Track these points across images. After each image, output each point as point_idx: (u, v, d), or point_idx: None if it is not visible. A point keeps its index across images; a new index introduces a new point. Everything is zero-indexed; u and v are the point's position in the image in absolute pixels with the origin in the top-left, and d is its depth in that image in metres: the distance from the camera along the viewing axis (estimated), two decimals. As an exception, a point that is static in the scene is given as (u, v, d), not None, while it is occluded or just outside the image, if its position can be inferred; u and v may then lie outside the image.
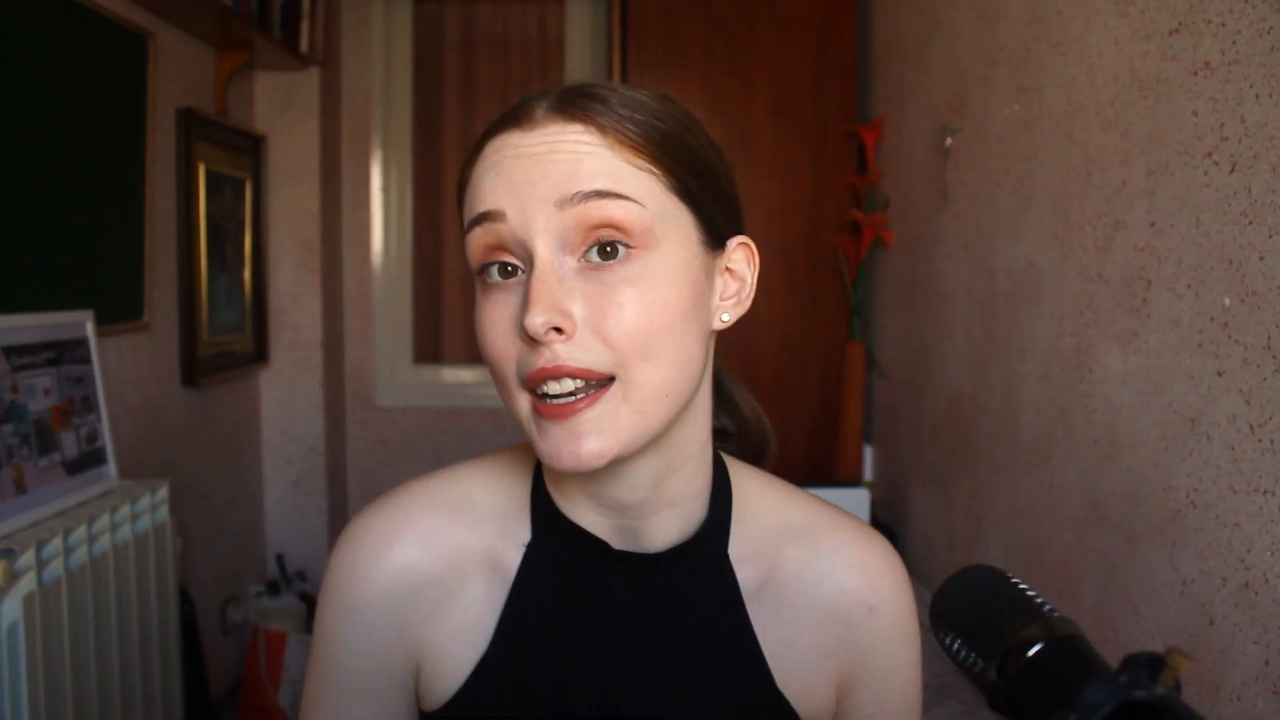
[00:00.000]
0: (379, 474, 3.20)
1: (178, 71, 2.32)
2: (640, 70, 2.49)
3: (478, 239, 0.60)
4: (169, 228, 2.30)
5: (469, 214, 0.61)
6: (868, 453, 2.52)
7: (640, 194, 0.58)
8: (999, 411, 1.75)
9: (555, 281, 0.57)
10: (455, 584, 0.67)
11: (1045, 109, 1.58)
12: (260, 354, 2.82)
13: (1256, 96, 1.07)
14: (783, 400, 2.51)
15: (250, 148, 2.72)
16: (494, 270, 0.60)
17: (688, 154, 0.62)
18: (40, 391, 1.66)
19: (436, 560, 0.67)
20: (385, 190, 3.19)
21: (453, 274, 3.25)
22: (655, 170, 0.60)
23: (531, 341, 0.57)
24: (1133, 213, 1.33)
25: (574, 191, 0.57)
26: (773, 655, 0.69)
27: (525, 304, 0.56)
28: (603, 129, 0.59)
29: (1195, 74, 1.19)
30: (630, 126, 0.59)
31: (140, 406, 2.16)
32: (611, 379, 0.58)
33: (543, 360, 0.57)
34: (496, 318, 0.59)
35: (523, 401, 0.60)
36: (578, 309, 0.57)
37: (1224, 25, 1.13)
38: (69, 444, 1.71)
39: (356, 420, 3.20)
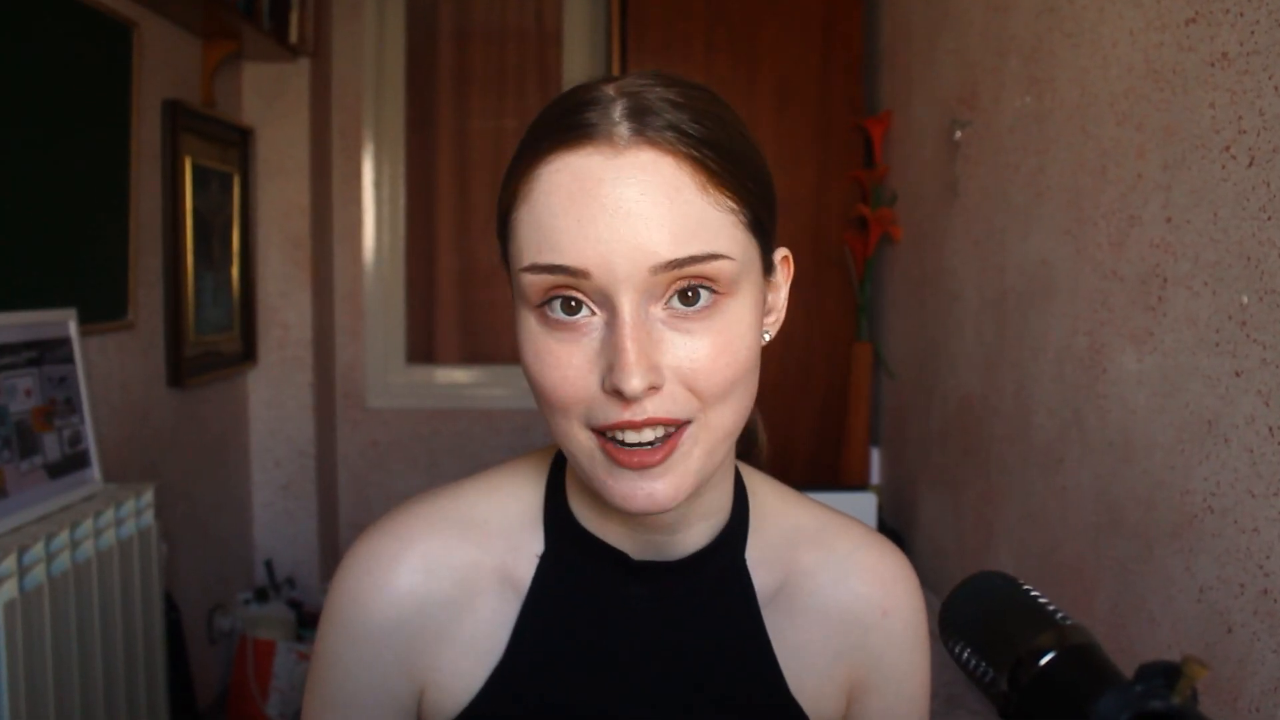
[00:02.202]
0: (371, 477, 3.20)
1: (163, 62, 2.32)
2: (640, 61, 2.50)
3: (543, 282, 0.57)
4: (154, 223, 2.30)
5: (532, 254, 0.57)
6: (875, 455, 2.52)
7: (731, 247, 0.57)
8: (1010, 413, 1.75)
9: (645, 336, 0.56)
10: (465, 603, 0.68)
11: (1058, 101, 1.58)
12: (248, 353, 2.82)
13: (1276, 88, 1.07)
14: (787, 402, 2.51)
15: (238, 141, 2.72)
16: (558, 305, 0.57)
17: (758, 177, 0.61)
18: (21, 392, 1.66)
19: (443, 581, 0.67)
20: (377, 185, 3.19)
21: (447, 271, 3.25)
22: (737, 207, 0.58)
23: (616, 394, 0.56)
24: (1148, 208, 1.33)
25: (671, 259, 0.55)
26: (786, 660, 0.70)
27: (617, 363, 0.55)
28: (694, 163, 0.56)
29: (1212, 65, 1.19)
30: (712, 155, 0.57)
31: (124, 408, 2.16)
32: (689, 421, 0.58)
33: (629, 414, 0.56)
34: (565, 358, 0.57)
35: (584, 439, 0.59)
36: (665, 359, 0.57)
37: (1242, 15, 1.13)
38: (51, 446, 1.71)
39: (347, 422, 3.20)
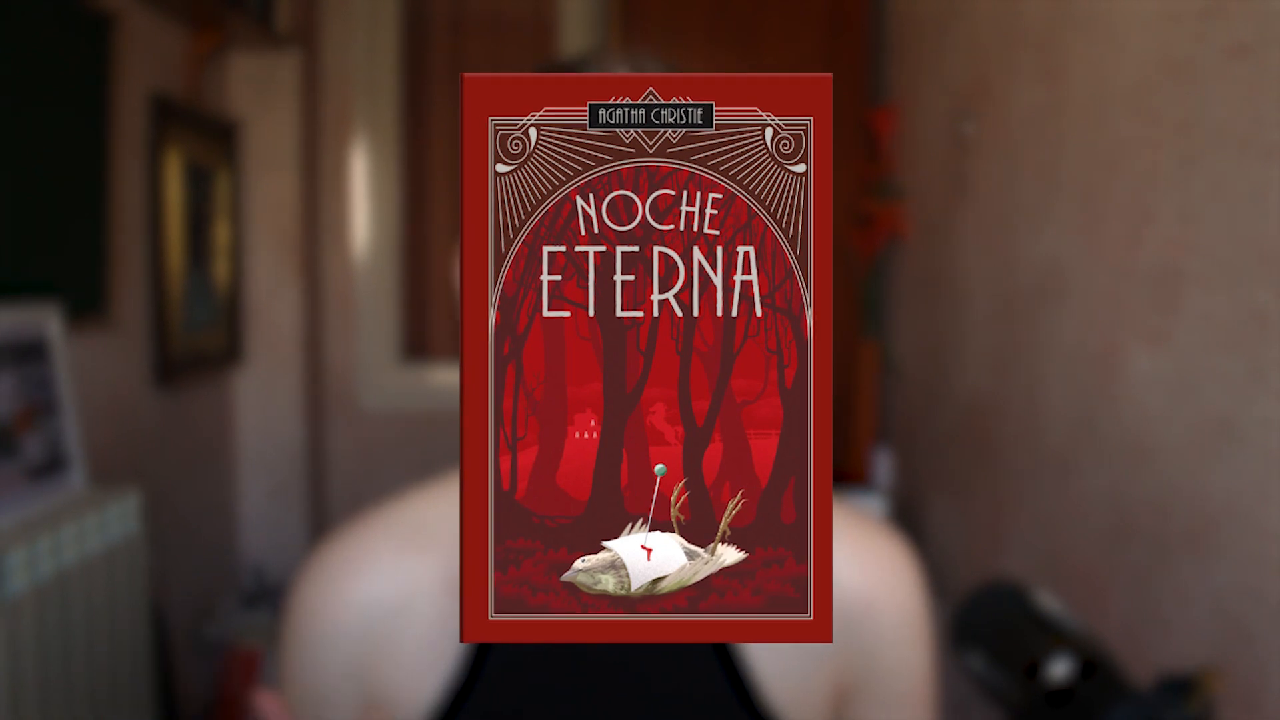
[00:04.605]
0: (364, 482, 3.20)
1: (148, 54, 2.32)
2: (640, 52, 2.50)
3: None
4: (139, 219, 2.30)
5: None
6: (881, 459, 2.52)
7: None
8: (1021, 415, 1.75)
9: None
10: (418, 611, 0.69)
11: (1070, 94, 1.59)
12: (236, 353, 2.82)
13: (1295, 81, 1.07)
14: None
15: (225, 134, 2.72)
16: None
17: None
18: (1, 393, 1.66)
19: (393, 590, 0.69)
20: (369, 179, 3.19)
21: (442, 269, 3.25)
22: None
23: None
24: (1163, 204, 1.33)
25: None
26: (760, 666, 0.68)
27: None
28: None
29: (1229, 57, 1.19)
30: None
31: (108, 409, 2.16)
32: None
33: None
34: None
35: None
36: None
37: (1259, 5, 1.13)
38: (32, 448, 1.71)
39: (339, 423, 3.20)
